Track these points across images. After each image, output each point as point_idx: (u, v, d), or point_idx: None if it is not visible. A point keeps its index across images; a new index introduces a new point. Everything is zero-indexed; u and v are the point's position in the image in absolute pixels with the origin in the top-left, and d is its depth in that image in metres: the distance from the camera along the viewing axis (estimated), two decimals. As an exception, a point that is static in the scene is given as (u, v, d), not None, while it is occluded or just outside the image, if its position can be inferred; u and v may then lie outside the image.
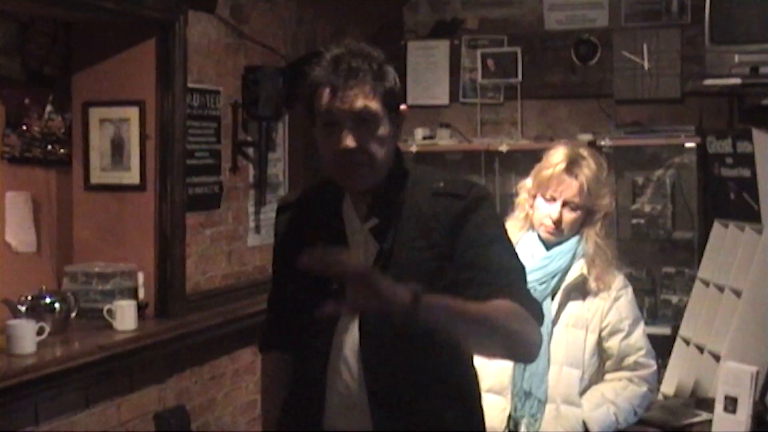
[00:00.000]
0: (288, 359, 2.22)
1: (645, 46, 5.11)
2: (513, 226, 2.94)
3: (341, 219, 2.09)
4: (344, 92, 1.96)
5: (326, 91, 1.98)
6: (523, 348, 1.95)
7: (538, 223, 2.89)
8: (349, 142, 1.97)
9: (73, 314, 3.54)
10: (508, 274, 2.00)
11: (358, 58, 1.99)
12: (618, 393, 2.85)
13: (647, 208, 5.00)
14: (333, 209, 2.10)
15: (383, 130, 2.00)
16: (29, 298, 3.42)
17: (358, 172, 2.00)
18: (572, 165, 2.83)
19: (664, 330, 4.64)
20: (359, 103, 1.96)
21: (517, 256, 2.07)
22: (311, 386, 2.07)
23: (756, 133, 4.09)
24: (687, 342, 4.25)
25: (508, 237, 2.09)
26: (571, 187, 2.82)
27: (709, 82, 4.29)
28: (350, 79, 1.96)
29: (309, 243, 2.06)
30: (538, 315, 1.99)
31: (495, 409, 2.79)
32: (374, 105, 1.98)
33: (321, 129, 2.02)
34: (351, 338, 2.03)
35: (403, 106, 2.07)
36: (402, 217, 2.05)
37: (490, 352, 2.02)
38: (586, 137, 4.94)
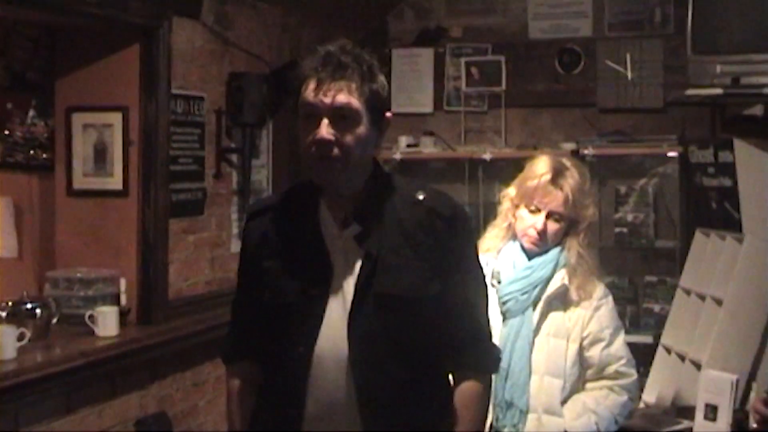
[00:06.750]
0: (254, 370, 2.19)
1: (628, 56, 5.13)
2: (495, 235, 2.94)
3: (318, 225, 2.07)
4: (328, 86, 1.96)
5: (311, 84, 1.98)
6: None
7: (521, 234, 2.88)
8: (325, 132, 1.96)
9: (55, 320, 3.52)
10: (479, 341, 2.17)
11: (349, 56, 1.99)
12: (599, 402, 2.85)
13: (630, 217, 5.02)
14: (309, 216, 2.08)
15: (363, 130, 2.00)
16: (10, 303, 3.40)
17: (331, 166, 1.98)
18: (557, 176, 2.83)
19: (646, 338, 4.66)
20: (341, 98, 1.97)
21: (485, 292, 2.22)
22: (289, 394, 2.05)
23: (737, 143, 4.12)
24: (668, 350, 4.27)
25: (481, 270, 2.21)
26: (556, 199, 2.82)
27: (691, 92, 4.31)
28: (336, 74, 1.97)
29: (286, 251, 2.08)
30: (495, 365, 2.23)
31: (477, 418, 2.79)
32: (356, 103, 1.98)
33: (302, 121, 2.01)
34: (337, 345, 2.01)
35: (388, 113, 2.07)
36: (384, 224, 2.04)
37: None
38: (570, 146, 4.96)
